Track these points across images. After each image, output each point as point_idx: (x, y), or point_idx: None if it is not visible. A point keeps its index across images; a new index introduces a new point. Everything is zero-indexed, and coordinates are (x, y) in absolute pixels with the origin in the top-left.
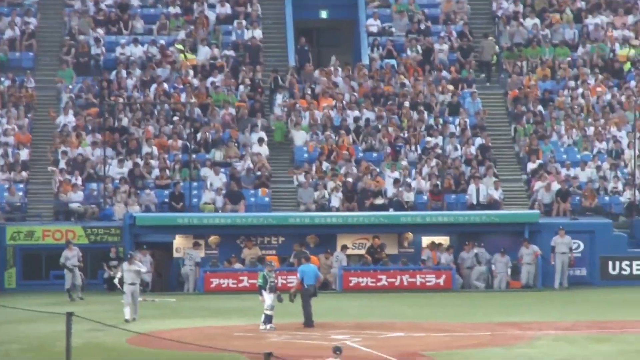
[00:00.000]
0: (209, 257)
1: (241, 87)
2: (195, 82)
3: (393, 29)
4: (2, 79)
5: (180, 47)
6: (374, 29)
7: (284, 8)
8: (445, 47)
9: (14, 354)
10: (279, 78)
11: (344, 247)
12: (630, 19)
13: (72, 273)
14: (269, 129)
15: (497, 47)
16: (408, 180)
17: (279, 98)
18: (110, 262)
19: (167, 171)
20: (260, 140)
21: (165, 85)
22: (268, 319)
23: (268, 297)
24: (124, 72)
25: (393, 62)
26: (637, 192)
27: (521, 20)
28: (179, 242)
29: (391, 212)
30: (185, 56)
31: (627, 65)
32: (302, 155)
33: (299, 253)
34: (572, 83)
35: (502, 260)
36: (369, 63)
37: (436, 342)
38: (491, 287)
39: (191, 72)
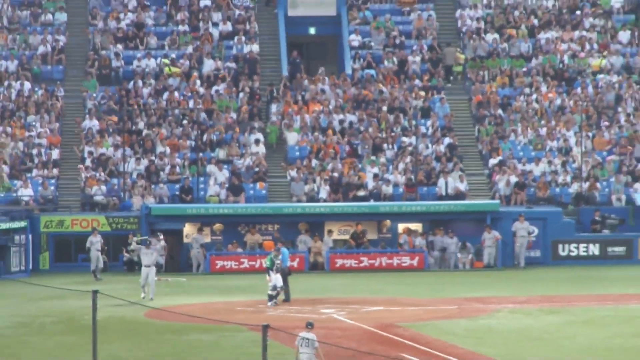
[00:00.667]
0: (214, 242)
1: (241, 95)
2: (202, 90)
3: (372, 43)
4: (36, 89)
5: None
6: (356, 43)
7: (278, 25)
8: (418, 58)
9: (47, 325)
10: (275, 90)
11: (330, 233)
12: (576, 34)
13: (96, 257)
14: (265, 131)
15: (461, 55)
16: (386, 175)
17: (274, 107)
18: (129, 247)
19: (178, 168)
20: (258, 141)
21: (176, 93)
22: (270, 297)
23: (274, 278)
24: (140, 82)
25: (372, 72)
26: (583, 184)
27: (483, 35)
28: (188, 229)
29: (372, 202)
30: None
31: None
32: (294, 154)
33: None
34: (527, 90)
35: (464, 249)
36: (351, 73)
37: (411, 314)
38: (457, 267)
39: (198, 82)
